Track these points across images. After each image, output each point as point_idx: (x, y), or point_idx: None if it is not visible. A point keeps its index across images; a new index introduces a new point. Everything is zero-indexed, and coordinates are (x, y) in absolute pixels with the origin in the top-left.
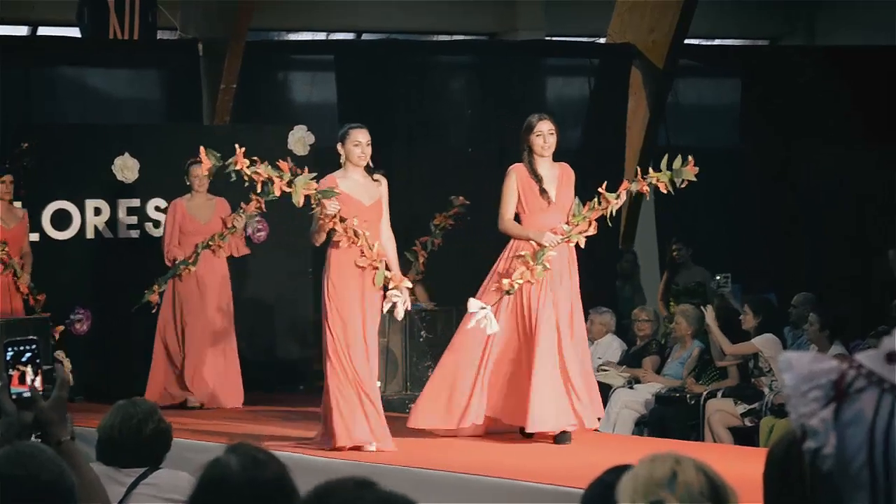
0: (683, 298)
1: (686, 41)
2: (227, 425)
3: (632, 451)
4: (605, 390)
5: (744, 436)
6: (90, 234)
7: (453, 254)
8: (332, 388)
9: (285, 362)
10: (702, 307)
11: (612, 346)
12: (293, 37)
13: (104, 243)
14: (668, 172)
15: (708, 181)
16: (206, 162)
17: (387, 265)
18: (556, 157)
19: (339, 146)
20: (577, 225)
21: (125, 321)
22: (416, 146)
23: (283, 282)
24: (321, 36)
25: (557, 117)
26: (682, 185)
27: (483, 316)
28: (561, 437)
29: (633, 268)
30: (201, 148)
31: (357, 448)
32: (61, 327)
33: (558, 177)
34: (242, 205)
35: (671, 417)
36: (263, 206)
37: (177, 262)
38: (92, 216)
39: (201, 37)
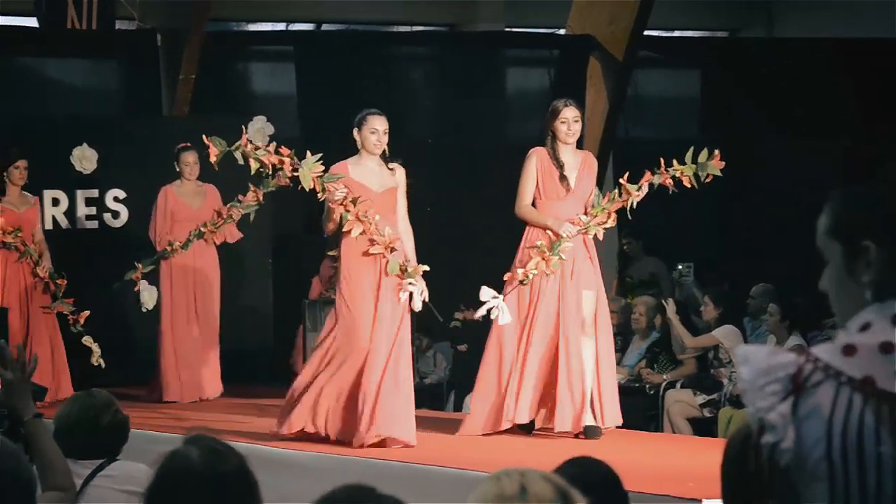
0: (639, 290)
1: (645, 33)
2: (203, 417)
3: (593, 443)
4: None
5: (702, 426)
6: (48, 225)
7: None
8: (301, 381)
9: (244, 353)
10: (663, 300)
11: None
12: (252, 27)
13: (62, 234)
14: (693, 166)
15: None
16: (214, 150)
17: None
18: (517, 147)
19: (354, 132)
20: (596, 216)
21: (83, 310)
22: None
23: (243, 272)
24: (281, 27)
25: (517, 109)
26: (707, 180)
27: (495, 305)
28: (589, 432)
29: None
30: (204, 136)
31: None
32: (87, 312)
33: (580, 165)
34: (240, 196)
35: (630, 408)
36: (262, 197)
37: (167, 249)
38: (50, 207)
39: (160, 27)
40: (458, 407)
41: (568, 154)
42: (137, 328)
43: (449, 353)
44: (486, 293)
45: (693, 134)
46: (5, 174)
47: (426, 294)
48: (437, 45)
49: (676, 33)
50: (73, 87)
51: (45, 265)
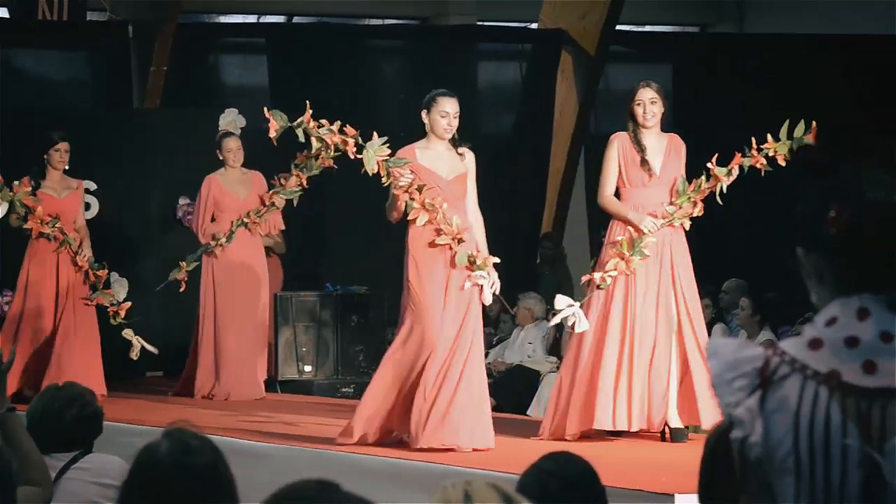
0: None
1: (617, 28)
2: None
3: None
4: (534, 376)
5: None
6: None
7: (383, 238)
8: (373, 383)
9: None
10: None
11: (541, 332)
12: (224, 19)
13: None
14: (788, 142)
15: None
16: (274, 123)
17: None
18: (490, 140)
19: (423, 114)
20: (681, 207)
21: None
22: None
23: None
24: (252, 19)
25: (489, 102)
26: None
27: (571, 314)
28: (675, 434)
29: (555, 254)
30: (265, 110)
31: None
32: (128, 304)
33: (665, 148)
34: (282, 179)
35: None
36: (305, 181)
37: (211, 243)
38: None
39: (131, 19)
40: None
41: (651, 137)
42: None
43: None
44: (560, 301)
45: (666, 128)
46: (45, 157)
47: (497, 286)
48: (408, 38)
49: (648, 28)
50: (44, 78)
51: (85, 254)
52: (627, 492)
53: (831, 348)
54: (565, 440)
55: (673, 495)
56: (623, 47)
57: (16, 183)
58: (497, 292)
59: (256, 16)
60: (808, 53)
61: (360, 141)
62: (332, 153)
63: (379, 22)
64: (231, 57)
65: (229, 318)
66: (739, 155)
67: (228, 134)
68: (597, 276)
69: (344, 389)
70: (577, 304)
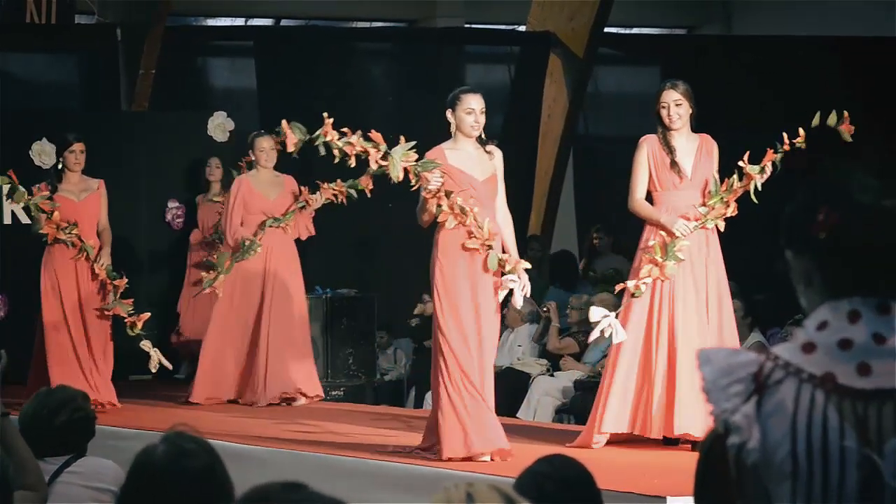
0: (601, 286)
1: (605, 30)
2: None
3: (557, 439)
4: (525, 378)
5: None
6: (7, 220)
7: (373, 242)
8: (444, 395)
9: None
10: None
11: (531, 334)
12: (212, 22)
13: (21, 228)
14: None
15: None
16: (292, 137)
17: (503, 247)
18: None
19: (448, 113)
20: (714, 208)
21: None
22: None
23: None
24: (240, 22)
25: None
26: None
27: (607, 325)
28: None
29: (542, 255)
30: (283, 122)
31: (469, 459)
32: (146, 315)
33: (697, 149)
34: (322, 184)
35: (592, 404)
36: (345, 192)
37: (244, 242)
38: (8, 201)
39: (120, 21)
40: (419, 403)
41: (681, 139)
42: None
43: (409, 350)
44: (595, 313)
45: (653, 130)
46: (60, 160)
47: (528, 290)
48: (396, 41)
49: (635, 30)
50: (32, 80)
51: (103, 262)
52: (620, 494)
53: (825, 351)
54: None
55: (665, 498)
56: (611, 49)
57: (35, 187)
58: (528, 295)
59: (244, 19)
60: (796, 55)
61: (384, 147)
62: (375, 162)
63: (367, 24)
64: (219, 60)
65: (270, 321)
66: (771, 151)
67: (261, 133)
68: (630, 284)
69: (334, 392)
70: (613, 314)
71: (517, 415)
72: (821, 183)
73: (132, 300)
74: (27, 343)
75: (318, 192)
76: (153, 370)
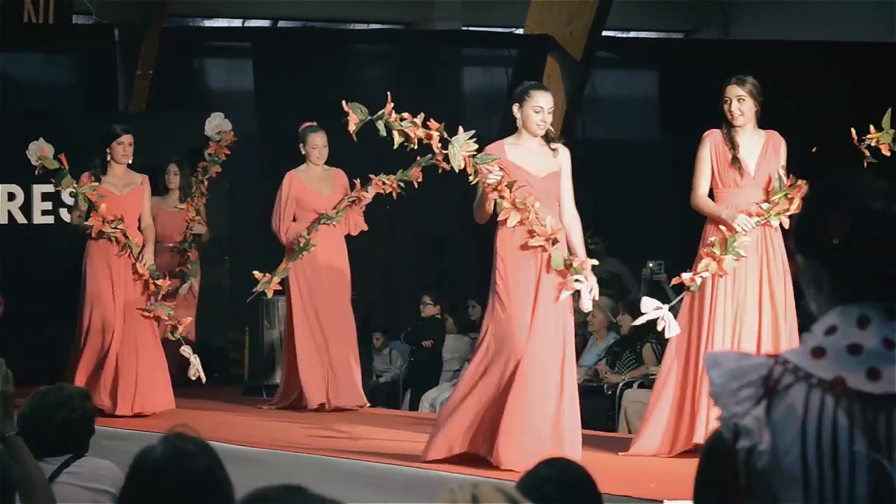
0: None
1: (603, 33)
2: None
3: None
4: None
5: None
6: (3, 220)
7: (370, 243)
8: (454, 397)
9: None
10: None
11: None
12: (209, 24)
13: (18, 228)
14: (892, 131)
15: (625, 173)
16: (354, 117)
17: (568, 248)
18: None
19: (514, 107)
20: (777, 203)
21: (39, 306)
22: (333, 134)
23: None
24: (237, 23)
25: (475, 107)
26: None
27: (660, 317)
28: None
29: None
30: (344, 103)
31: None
32: (188, 320)
33: (762, 146)
34: (372, 177)
35: (588, 408)
36: (396, 185)
37: (299, 241)
38: (6, 201)
39: (117, 22)
40: (414, 406)
41: (745, 135)
42: None
43: (405, 351)
44: (647, 304)
45: (652, 134)
46: (108, 151)
47: (596, 292)
48: (394, 43)
49: (633, 34)
50: (29, 81)
51: (146, 261)
52: (616, 498)
53: (834, 356)
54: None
55: (662, 502)
56: (609, 53)
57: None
58: (596, 297)
59: (241, 20)
60: (793, 59)
61: (445, 135)
62: (436, 150)
63: (364, 26)
64: (217, 61)
65: (326, 323)
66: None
67: (315, 129)
68: (686, 276)
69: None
70: (667, 306)
71: None
72: (832, 189)
73: (174, 303)
74: (25, 342)
75: (368, 186)
76: (192, 378)
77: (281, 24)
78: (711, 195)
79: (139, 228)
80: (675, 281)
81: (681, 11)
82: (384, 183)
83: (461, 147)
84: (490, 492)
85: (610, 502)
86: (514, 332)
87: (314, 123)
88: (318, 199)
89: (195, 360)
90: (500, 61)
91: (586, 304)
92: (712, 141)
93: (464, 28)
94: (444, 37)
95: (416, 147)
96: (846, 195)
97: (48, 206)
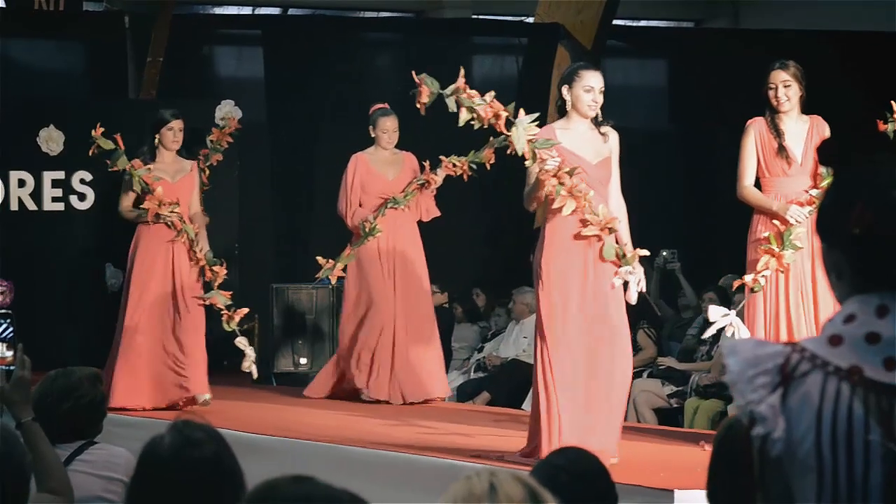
0: None
1: (613, 22)
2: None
3: None
4: (530, 370)
5: (668, 416)
6: (14, 206)
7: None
8: (540, 395)
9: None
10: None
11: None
12: (219, 11)
13: (28, 215)
14: None
15: (634, 162)
16: (425, 89)
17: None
18: (485, 134)
19: (563, 89)
20: (826, 189)
21: (49, 293)
22: (343, 122)
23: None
24: (247, 10)
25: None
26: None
27: (728, 323)
28: None
29: None
30: (414, 74)
31: None
32: (245, 311)
33: (807, 132)
34: (443, 159)
35: None
36: (467, 168)
37: (364, 226)
38: (16, 188)
39: (128, 9)
40: None
41: (790, 121)
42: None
43: None
44: (714, 312)
45: (662, 123)
46: (157, 137)
47: (643, 284)
48: (404, 31)
49: (643, 23)
50: (40, 67)
51: (202, 247)
52: (626, 487)
53: (851, 344)
54: None
55: (672, 491)
56: (619, 42)
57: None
58: (643, 289)
59: (252, 7)
60: (803, 49)
61: (511, 117)
62: (503, 131)
63: (374, 15)
64: (227, 48)
65: (398, 313)
66: (881, 123)
67: (386, 112)
68: (748, 278)
69: None
70: (734, 311)
71: (522, 406)
72: (854, 177)
73: (231, 293)
74: (34, 329)
75: (438, 169)
76: (245, 370)
77: (291, 11)
78: (758, 184)
79: (189, 216)
80: (737, 283)
81: (691, 1)
82: (455, 165)
83: (524, 130)
84: (507, 480)
85: (620, 492)
86: (561, 325)
87: (385, 105)
88: (384, 183)
89: (250, 353)
90: (511, 50)
91: (633, 296)
92: (756, 129)
93: (474, 17)
94: (454, 25)
95: (484, 126)
96: (869, 184)
97: (58, 192)
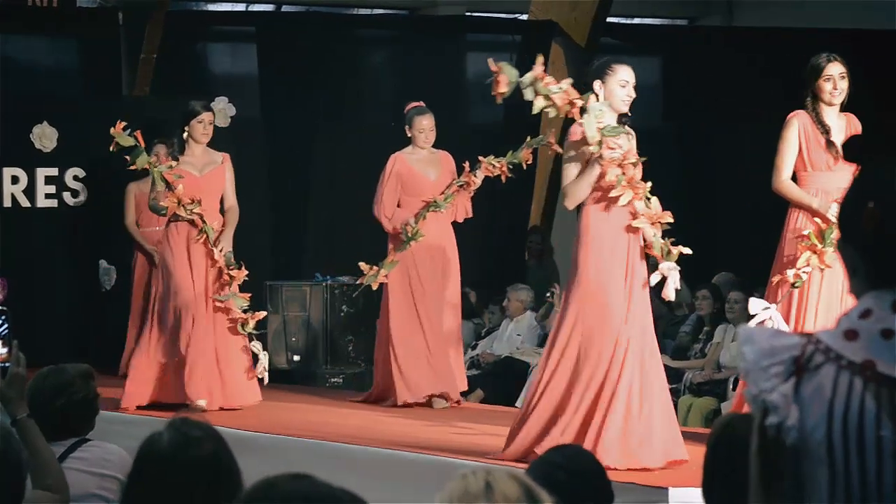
0: None
1: (607, 20)
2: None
3: None
4: (524, 367)
5: None
6: (7, 203)
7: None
8: (529, 394)
9: None
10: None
11: (531, 324)
12: (213, 7)
13: (21, 212)
14: None
15: None
16: (503, 78)
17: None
18: (479, 132)
19: (596, 84)
20: None
21: (42, 290)
22: (338, 119)
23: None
24: (241, 7)
25: (478, 93)
26: None
27: (767, 317)
28: None
29: (542, 247)
30: (490, 61)
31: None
32: (261, 314)
33: (846, 129)
34: (481, 159)
35: None
36: (506, 168)
37: (406, 230)
38: (9, 184)
39: (121, 6)
40: None
41: (833, 116)
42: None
43: None
44: (755, 305)
45: (654, 121)
46: (186, 129)
47: (679, 282)
48: (398, 28)
49: (637, 21)
50: (33, 64)
51: (222, 248)
52: (621, 485)
53: (867, 339)
54: None
55: (667, 489)
56: (613, 39)
57: (155, 155)
58: (678, 287)
59: (245, 4)
60: (797, 46)
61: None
62: (577, 118)
63: (368, 12)
64: (221, 45)
65: (429, 314)
66: None
67: (422, 111)
68: (790, 273)
69: (333, 380)
70: (774, 306)
71: (516, 403)
72: (874, 175)
73: (250, 294)
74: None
75: (477, 170)
76: (259, 376)
77: (285, 8)
78: (794, 178)
79: (221, 211)
80: (775, 279)
81: None
82: (493, 165)
83: (595, 117)
84: (503, 478)
85: (616, 490)
86: (611, 318)
87: (420, 104)
88: (425, 184)
89: (264, 358)
90: (505, 47)
91: (670, 292)
92: (800, 122)
93: (468, 14)
94: (448, 22)
95: (560, 116)
96: (882, 183)
97: (52, 189)
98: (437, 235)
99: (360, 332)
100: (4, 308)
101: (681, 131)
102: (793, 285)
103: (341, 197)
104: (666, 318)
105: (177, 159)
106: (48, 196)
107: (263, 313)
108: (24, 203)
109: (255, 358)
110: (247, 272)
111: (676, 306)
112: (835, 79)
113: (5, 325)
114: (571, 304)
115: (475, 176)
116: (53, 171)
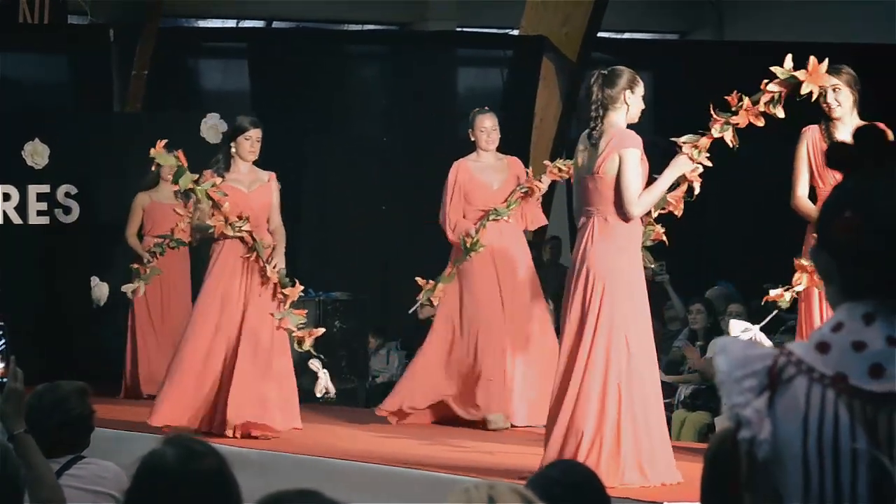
0: None
1: (598, 34)
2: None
3: None
4: None
5: None
6: None
7: (365, 244)
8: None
9: None
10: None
11: None
12: (203, 24)
13: (13, 229)
14: None
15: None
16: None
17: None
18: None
19: (626, 94)
20: None
21: (35, 307)
22: (329, 134)
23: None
24: (232, 23)
25: (470, 108)
26: None
27: (749, 339)
28: None
29: (555, 254)
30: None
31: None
32: (319, 331)
33: None
34: (547, 164)
35: None
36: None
37: (465, 241)
38: (1, 202)
39: (112, 22)
40: None
41: (844, 130)
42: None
43: (401, 352)
44: (735, 327)
45: (645, 136)
46: (233, 146)
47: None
48: (389, 43)
49: (628, 35)
50: (25, 81)
51: (276, 265)
52: (617, 500)
53: (838, 352)
54: None
55: None
56: (604, 54)
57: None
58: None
59: (236, 20)
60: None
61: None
62: None
63: (359, 27)
64: (212, 61)
65: (473, 328)
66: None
67: (485, 110)
68: (773, 292)
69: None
70: (757, 327)
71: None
72: (847, 185)
73: (305, 311)
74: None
75: (542, 175)
76: (317, 395)
77: (276, 24)
78: (813, 195)
79: (269, 230)
80: (768, 297)
81: (675, 13)
82: (560, 170)
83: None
84: (506, 492)
85: None
86: (646, 335)
87: (485, 108)
88: (487, 192)
89: (324, 376)
90: (495, 62)
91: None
92: (810, 137)
93: (459, 29)
94: (438, 37)
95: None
96: (862, 192)
97: (43, 206)
98: (507, 246)
99: (352, 347)
100: (2, 324)
101: (672, 146)
102: (778, 308)
103: (333, 211)
104: (659, 332)
105: (222, 177)
106: (40, 213)
107: (322, 330)
108: (16, 220)
109: (314, 377)
110: (302, 288)
111: (670, 321)
112: (826, 92)
113: (3, 341)
114: (595, 319)
115: (540, 182)
116: (45, 188)
